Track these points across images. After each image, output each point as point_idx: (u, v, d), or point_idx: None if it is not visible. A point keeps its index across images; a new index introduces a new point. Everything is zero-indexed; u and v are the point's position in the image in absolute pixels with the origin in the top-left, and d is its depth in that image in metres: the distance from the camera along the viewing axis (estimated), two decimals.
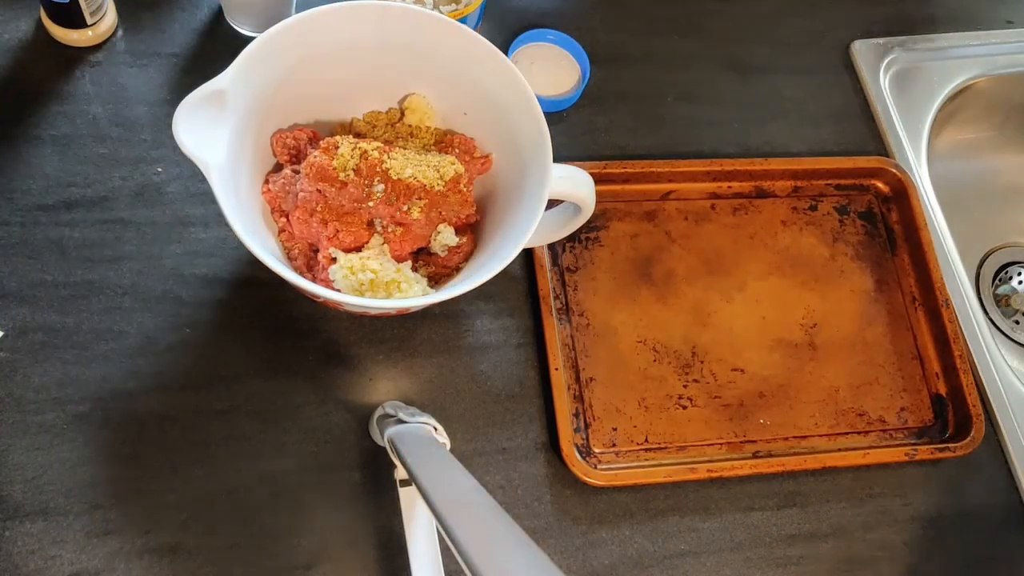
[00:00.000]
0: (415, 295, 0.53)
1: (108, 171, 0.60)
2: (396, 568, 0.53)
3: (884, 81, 0.76)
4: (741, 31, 0.76)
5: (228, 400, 0.55)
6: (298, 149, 0.55)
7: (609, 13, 0.75)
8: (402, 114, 0.59)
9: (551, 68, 0.71)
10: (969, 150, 0.85)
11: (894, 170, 0.70)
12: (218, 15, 0.66)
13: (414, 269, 0.55)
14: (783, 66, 0.75)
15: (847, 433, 0.62)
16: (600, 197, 0.59)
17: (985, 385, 0.65)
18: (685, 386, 0.61)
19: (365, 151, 0.54)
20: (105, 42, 0.64)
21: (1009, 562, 0.60)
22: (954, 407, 0.64)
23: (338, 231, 0.53)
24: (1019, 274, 0.84)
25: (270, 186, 0.55)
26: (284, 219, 0.55)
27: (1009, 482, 0.62)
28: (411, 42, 0.55)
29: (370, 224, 0.54)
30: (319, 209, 0.53)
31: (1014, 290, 0.82)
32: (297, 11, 0.57)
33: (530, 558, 0.33)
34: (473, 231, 0.58)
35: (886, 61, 0.76)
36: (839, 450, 0.61)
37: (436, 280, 0.56)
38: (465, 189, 0.56)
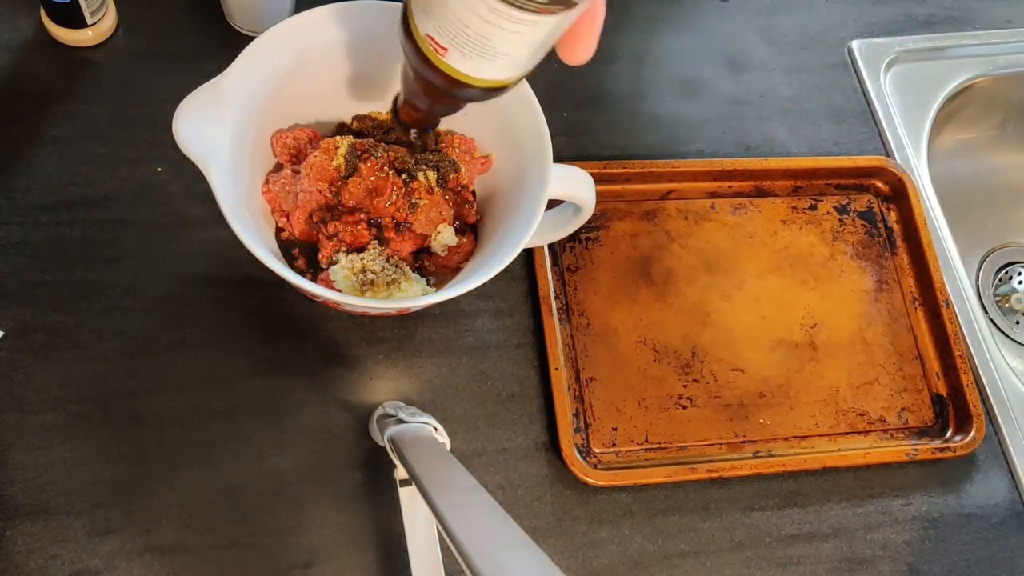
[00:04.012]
0: (415, 295, 0.53)
1: (108, 171, 0.60)
2: (396, 568, 0.53)
3: (884, 81, 0.76)
4: (740, 30, 0.76)
5: (228, 400, 0.55)
6: (298, 149, 0.56)
7: (609, 13, 0.75)
8: None
9: None
10: (969, 150, 0.85)
11: (894, 170, 0.70)
12: (218, 15, 0.66)
13: (414, 269, 0.55)
14: (783, 65, 0.75)
15: (847, 433, 0.62)
16: (600, 197, 0.59)
17: (985, 385, 0.65)
18: (685, 386, 0.61)
19: (365, 151, 0.54)
20: (105, 42, 0.64)
21: (1009, 562, 0.60)
22: (954, 407, 0.64)
23: (338, 231, 0.53)
24: (1019, 274, 0.84)
25: (270, 186, 0.55)
26: (284, 219, 0.55)
27: (1009, 482, 0.62)
28: None
29: (370, 224, 0.54)
30: (319, 209, 0.53)
31: (1014, 290, 0.82)
32: (297, 11, 0.57)
33: (530, 558, 0.33)
34: (473, 231, 0.58)
35: (886, 61, 0.76)
36: (839, 450, 0.61)
37: (436, 280, 0.56)
38: (465, 189, 0.56)
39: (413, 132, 0.49)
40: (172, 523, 0.52)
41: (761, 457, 0.59)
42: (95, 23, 0.62)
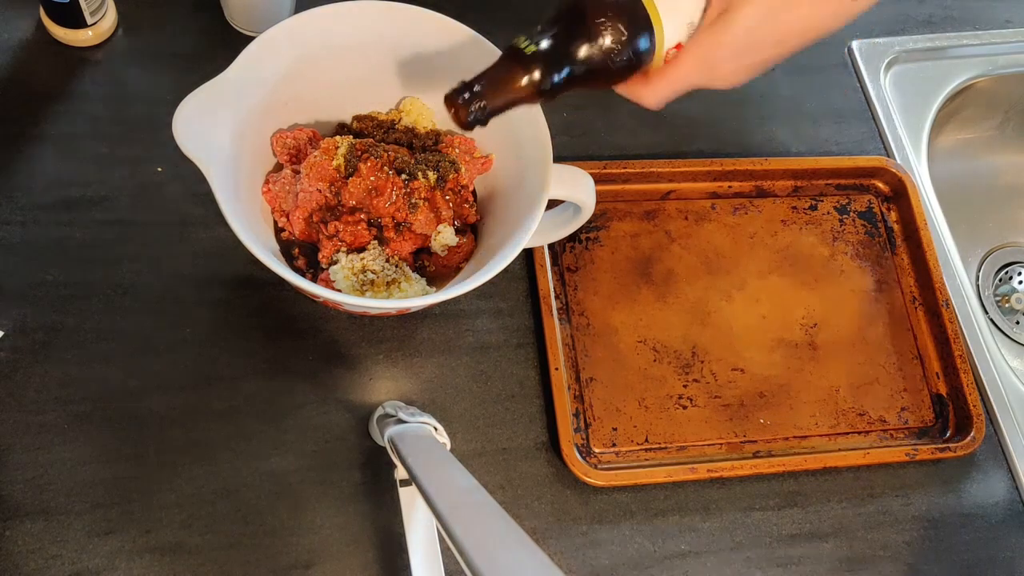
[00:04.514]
0: (415, 295, 0.53)
1: (108, 171, 0.60)
2: (396, 568, 0.53)
3: (884, 81, 0.76)
4: None
5: (228, 400, 0.55)
6: (298, 149, 0.56)
7: None
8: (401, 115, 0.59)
9: None
10: (969, 150, 0.85)
11: (894, 170, 0.70)
12: (218, 15, 0.66)
13: (414, 269, 0.55)
14: (783, 65, 0.74)
15: (847, 433, 0.62)
16: (600, 197, 0.59)
17: (985, 385, 0.65)
18: (685, 386, 0.61)
19: (365, 151, 0.54)
20: (105, 42, 0.64)
21: (1009, 562, 0.60)
22: (954, 407, 0.64)
23: (338, 231, 0.53)
24: (1019, 274, 0.84)
25: (270, 186, 0.55)
26: (284, 219, 0.55)
27: (1009, 482, 0.62)
28: (411, 42, 0.55)
29: (370, 224, 0.54)
30: (319, 209, 0.53)
31: (1014, 290, 0.83)
32: (297, 11, 0.57)
33: (530, 558, 0.33)
34: (473, 231, 0.58)
35: (886, 61, 0.76)
36: (839, 450, 0.61)
37: (436, 280, 0.56)
38: (465, 189, 0.56)
39: (469, 116, 0.47)
40: (172, 523, 0.52)
41: (761, 457, 0.59)
42: (95, 23, 0.62)
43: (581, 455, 0.57)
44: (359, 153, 0.54)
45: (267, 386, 0.56)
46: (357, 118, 0.59)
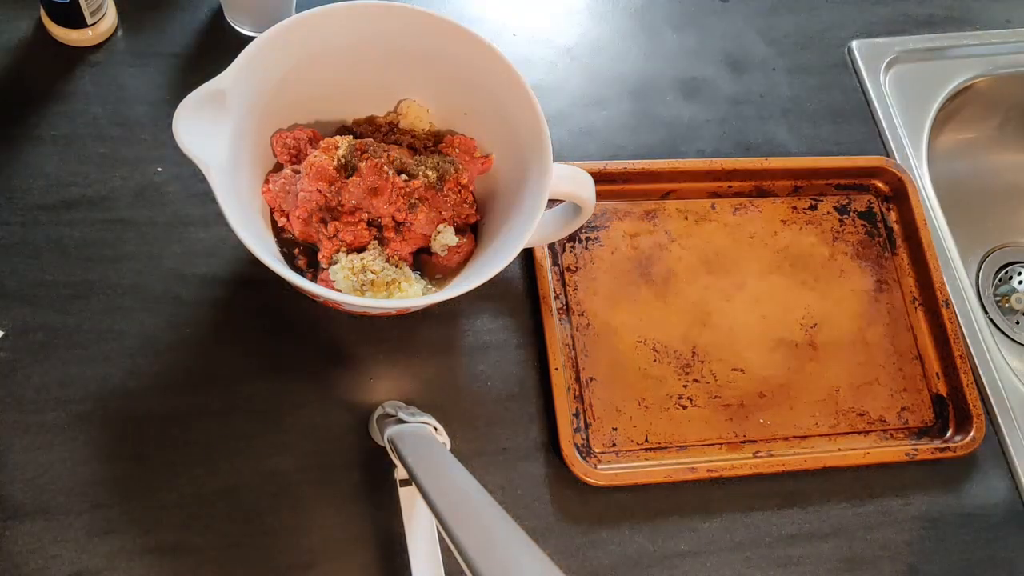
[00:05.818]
0: (415, 295, 0.53)
1: (108, 171, 0.60)
2: (396, 568, 0.53)
3: (884, 81, 0.76)
4: (741, 30, 0.76)
5: (228, 400, 0.55)
6: (298, 149, 0.56)
7: (610, 12, 0.75)
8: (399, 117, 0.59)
9: None
10: (969, 150, 0.85)
11: (894, 170, 0.70)
12: (218, 15, 0.66)
13: (414, 269, 0.55)
14: (783, 65, 0.75)
15: (847, 433, 0.62)
16: (600, 197, 0.59)
17: (985, 385, 0.65)
18: (685, 386, 0.61)
19: (365, 151, 0.54)
20: (105, 42, 0.64)
21: (1009, 562, 0.60)
22: (954, 407, 0.64)
23: (338, 231, 0.53)
24: (1019, 274, 0.84)
25: (270, 186, 0.55)
26: (284, 219, 0.55)
27: (1009, 482, 0.62)
28: (411, 42, 0.55)
29: (370, 224, 0.54)
30: (319, 209, 0.53)
31: (1014, 290, 0.83)
32: (297, 11, 0.57)
33: (530, 558, 0.33)
34: (473, 231, 0.58)
35: (886, 61, 0.76)
36: (839, 450, 0.61)
37: (436, 280, 0.56)
38: (465, 189, 0.56)
39: None
40: (172, 523, 0.52)
41: (761, 457, 0.59)
42: (95, 23, 0.62)
43: (581, 455, 0.57)
44: (359, 153, 0.54)
45: (267, 386, 0.56)
46: (356, 122, 0.59)
